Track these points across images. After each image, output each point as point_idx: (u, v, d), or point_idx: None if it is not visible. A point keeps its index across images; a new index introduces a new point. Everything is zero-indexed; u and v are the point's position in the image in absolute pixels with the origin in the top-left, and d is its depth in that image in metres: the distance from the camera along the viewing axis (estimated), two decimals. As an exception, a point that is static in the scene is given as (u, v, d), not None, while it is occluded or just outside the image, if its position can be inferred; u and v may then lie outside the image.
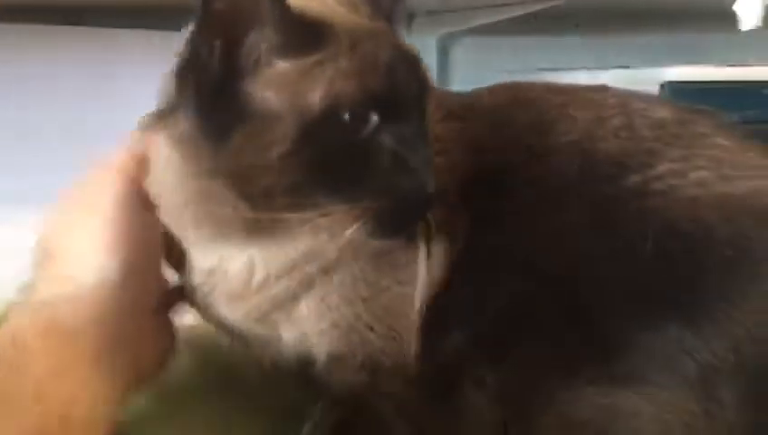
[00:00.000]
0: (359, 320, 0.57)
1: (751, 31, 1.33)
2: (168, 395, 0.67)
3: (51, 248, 0.56)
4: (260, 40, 0.50)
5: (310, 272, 0.56)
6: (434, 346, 0.57)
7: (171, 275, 0.61)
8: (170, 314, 0.61)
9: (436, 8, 1.62)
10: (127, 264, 0.54)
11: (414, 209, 0.52)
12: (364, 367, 0.58)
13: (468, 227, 0.57)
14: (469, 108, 0.63)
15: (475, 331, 0.56)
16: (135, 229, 0.55)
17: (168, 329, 0.60)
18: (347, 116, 0.49)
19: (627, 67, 1.54)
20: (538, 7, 1.53)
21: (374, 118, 0.50)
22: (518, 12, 1.59)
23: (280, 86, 0.50)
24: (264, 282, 0.56)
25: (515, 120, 0.62)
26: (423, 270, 0.57)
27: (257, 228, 0.53)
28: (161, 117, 0.54)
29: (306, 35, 0.50)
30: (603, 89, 0.64)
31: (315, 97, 0.49)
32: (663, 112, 0.60)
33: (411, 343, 0.57)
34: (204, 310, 0.60)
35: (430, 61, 0.82)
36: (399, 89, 0.51)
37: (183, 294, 0.60)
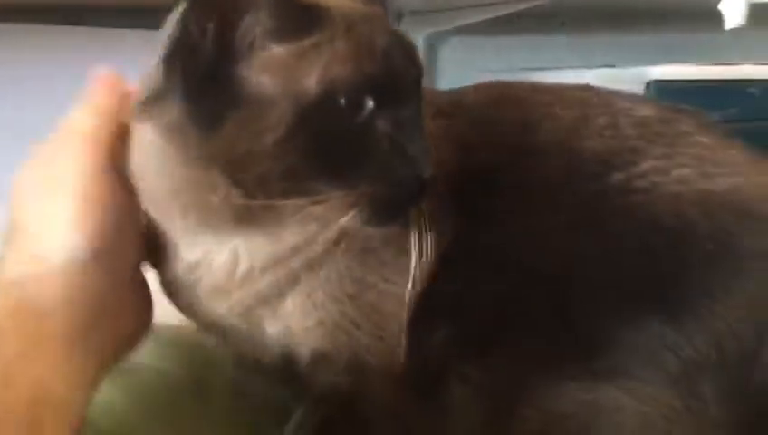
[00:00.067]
0: (344, 317, 0.56)
1: (735, 30, 1.35)
2: (148, 397, 0.67)
3: (17, 221, 0.53)
4: (255, 23, 0.48)
5: (295, 267, 0.55)
6: (420, 342, 0.56)
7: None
8: (147, 287, 0.58)
9: (423, 8, 1.62)
10: (97, 240, 0.52)
11: (411, 195, 0.51)
12: (350, 366, 0.57)
13: (455, 222, 0.57)
14: (456, 105, 0.63)
15: (460, 327, 0.56)
16: (106, 203, 0.53)
17: (146, 303, 0.58)
18: (343, 100, 0.49)
19: (612, 66, 1.55)
20: (523, 6, 1.54)
21: (370, 102, 0.49)
22: (504, 11, 1.60)
23: (275, 70, 0.49)
24: (248, 274, 0.55)
25: (502, 118, 0.62)
26: (415, 260, 0.56)
27: (247, 217, 0.52)
28: (147, 105, 0.52)
29: (301, 19, 0.49)
30: (587, 88, 0.65)
31: (311, 81, 0.48)
32: (646, 111, 0.61)
33: (398, 343, 0.57)
34: (186, 306, 0.59)
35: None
36: (396, 73, 0.50)
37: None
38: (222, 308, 0.57)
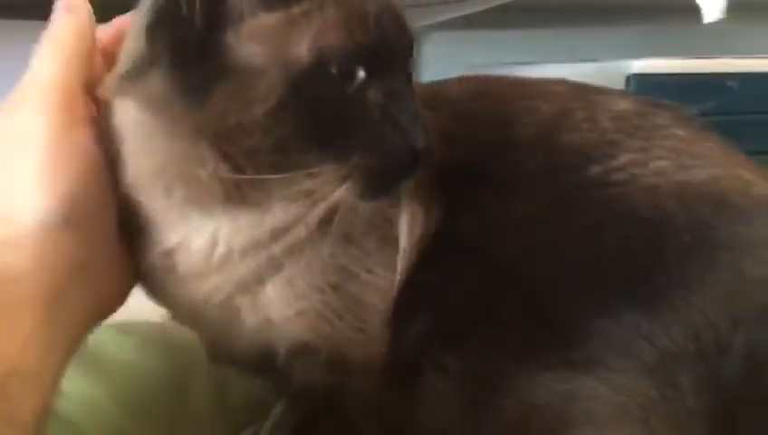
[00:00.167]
0: (327, 307, 0.55)
1: (714, 23, 1.36)
2: (129, 394, 0.66)
3: None
4: None
5: (276, 253, 0.53)
6: (398, 333, 0.56)
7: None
8: (125, 257, 0.54)
9: (407, 3, 1.62)
10: (67, 203, 0.48)
11: (404, 167, 0.50)
12: (330, 360, 0.56)
13: (437, 213, 0.57)
14: (439, 98, 0.62)
15: (438, 317, 0.56)
16: (77, 162, 0.49)
17: (123, 272, 0.54)
18: (335, 69, 0.47)
19: (595, 60, 1.56)
20: (507, 1, 1.54)
21: (362, 72, 0.48)
22: (488, 6, 1.60)
23: (264, 39, 0.47)
24: (227, 258, 0.53)
25: (484, 112, 0.62)
26: (404, 242, 0.56)
27: (236, 194, 0.51)
28: (128, 78, 0.50)
29: None
30: (564, 82, 0.65)
31: (302, 49, 0.47)
32: (624, 105, 0.61)
33: (379, 336, 0.56)
34: (161, 293, 0.57)
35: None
36: (388, 41, 0.49)
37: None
38: (199, 295, 0.55)
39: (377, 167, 0.49)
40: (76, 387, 0.61)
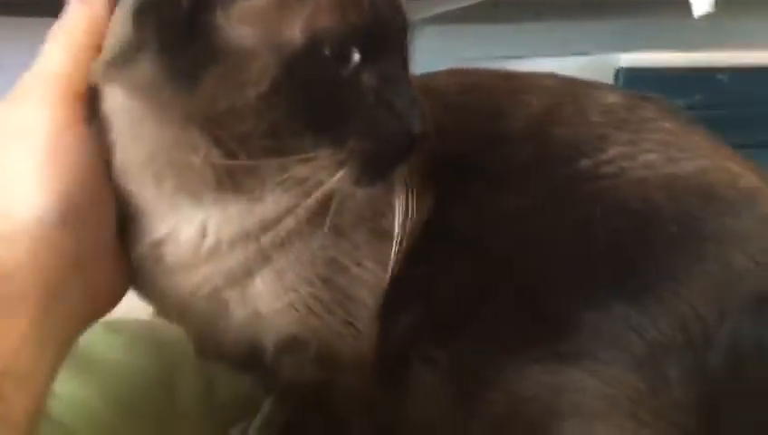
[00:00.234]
0: (317, 301, 0.55)
1: (704, 17, 1.36)
2: (117, 393, 0.66)
3: None
4: None
5: (265, 244, 0.52)
6: (387, 325, 0.56)
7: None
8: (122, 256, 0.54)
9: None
10: (65, 201, 0.47)
11: (401, 151, 0.49)
12: (320, 355, 0.56)
13: (429, 204, 0.57)
14: (429, 91, 0.61)
15: (428, 311, 0.56)
16: (76, 160, 0.48)
17: (119, 272, 0.54)
18: (328, 51, 0.46)
19: (585, 54, 1.56)
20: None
21: (356, 54, 0.47)
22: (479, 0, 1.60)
23: (256, 20, 0.46)
24: (215, 249, 0.52)
25: (474, 104, 0.62)
26: (398, 230, 0.55)
27: (228, 181, 0.50)
28: (114, 63, 0.48)
29: None
30: (554, 76, 0.65)
31: (295, 31, 0.46)
32: (612, 98, 0.62)
33: (369, 331, 0.56)
34: (148, 287, 0.56)
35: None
36: (383, 23, 0.48)
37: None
38: (187, 286, 0.54)
39: (373, 151, 0.48)
40: (66, 388, 0.60)
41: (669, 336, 0.50)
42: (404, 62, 0.51)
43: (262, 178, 0.50)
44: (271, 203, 0.52)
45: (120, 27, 0.48)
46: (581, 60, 1.51)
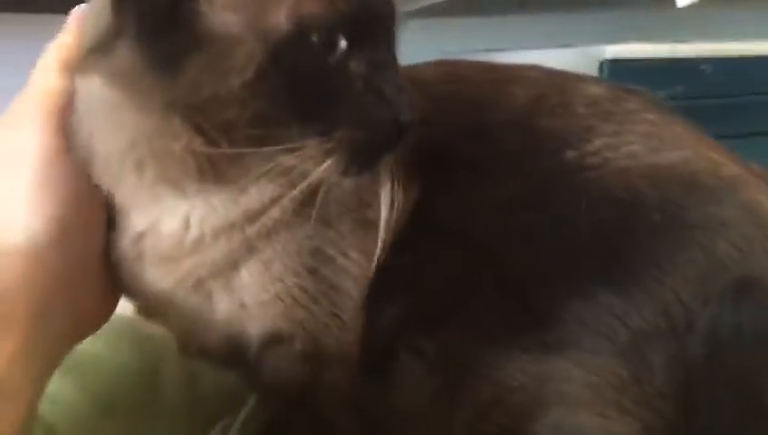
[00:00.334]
0: (303, 292, 0.54)
1: (688, 8, 1.37)
2: (100, 390, 0.66)
3: None
4: None
5: (250, 235, 0.52)
6: (372, 316, 0.56)
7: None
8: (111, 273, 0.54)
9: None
10: (57, 221, 0.48)
11: (389, 140, 0.48)
12: (304, 349, 0.55)
13: (415, 193, 0.57)
14: (414, 81, 0.62)
15: (414, 301, 0.56)
16: (68, 184, 0.49)
17: (108, 289, 0.54)
18: (315, 38, 0.45)
19: (569, 46, 1.57)
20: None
21: (343, 41, 0.46)
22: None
23: (239, 6, 0.45)
24: (199, 241, 0.51)
25: (459, 95, 0.62)
26: (384, 219, 0.55)
27: (211, 171, 0.49)
28: (92, 54, 0.47)
29: None
30: (538, 68, 0.65)
31: (281, 17, 0.44)
32: (596, 90, 0.62)
33: (354, 323, 0.56)
34: (130, 282, 0.55)
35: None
36: (370, 10, 0.47)
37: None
38: (169, 280, 0.53)
39: (361, 140, 0.47)
40: (50, 387, 0.60)
41: (653, 323, 0.51)
42: (392, 49, 0.50)
43: (246, 168, 0.49)
44: (256, 193, 0.51)
45: (99, 15, 0.47)
46: (566, 52, 1.52)
